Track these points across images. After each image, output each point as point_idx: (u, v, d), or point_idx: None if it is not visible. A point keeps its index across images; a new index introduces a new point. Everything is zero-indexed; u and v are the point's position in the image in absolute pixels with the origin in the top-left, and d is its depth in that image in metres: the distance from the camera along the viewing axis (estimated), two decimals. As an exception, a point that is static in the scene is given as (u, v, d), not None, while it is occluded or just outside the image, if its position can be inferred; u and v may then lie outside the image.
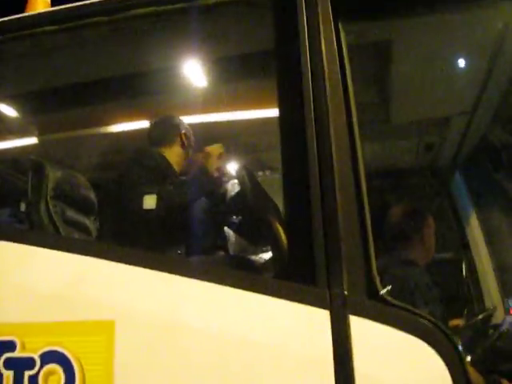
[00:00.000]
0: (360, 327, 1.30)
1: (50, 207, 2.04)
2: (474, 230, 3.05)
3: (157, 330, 1.41)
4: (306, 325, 1.33)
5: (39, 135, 3.21)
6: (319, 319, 1.32)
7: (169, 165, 2.54)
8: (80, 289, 1.51)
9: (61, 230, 2.01)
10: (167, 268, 1.44)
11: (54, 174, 2.12)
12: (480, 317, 2.54)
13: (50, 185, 2.09)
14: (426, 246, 2.55)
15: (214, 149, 2.38)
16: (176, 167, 2.58)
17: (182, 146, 2.60)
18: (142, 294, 1.46)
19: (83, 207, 2.23)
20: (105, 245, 1.59)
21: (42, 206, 2.04)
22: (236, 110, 2.81)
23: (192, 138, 2.65)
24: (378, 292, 1.34)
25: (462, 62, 2.18)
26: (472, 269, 3.04)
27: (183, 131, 2.61)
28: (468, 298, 2.99)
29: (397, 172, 3.06)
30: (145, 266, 1.46)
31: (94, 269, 1.51)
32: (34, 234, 1.93)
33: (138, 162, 2.43)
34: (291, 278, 1.38)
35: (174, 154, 2.58)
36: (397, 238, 2.55)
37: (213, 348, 1.38)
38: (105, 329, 1.42)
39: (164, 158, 2.56)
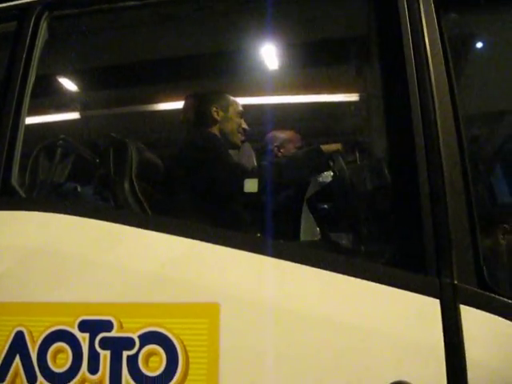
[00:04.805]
0: (471, 317, 1.31)
1: (135, 186, 2.02)
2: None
3: (263, 315, 1.41)
4: (416, 313, 1.34)
5: (113, 112, 3.14)
6: (429, 308, 1.33)
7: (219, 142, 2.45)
8: (181, 270, 1.50)
9: (148, 209, 2.00)
10: (274, 252, 1.44)
11: (136, 153, 2.09)
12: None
13: (134, 164, 2.07)
14: None
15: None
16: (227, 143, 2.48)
17: (215, 121, 2.47)
18: (247, 278, 1.46)
19: (163, 187, 2.20)
20: (207, 227, 1.56)
21: (127, 185, 2.02)
22: (331, 94, 2.76)
23: (232, 109, 2.51)
24: (487, 281, 1.35)
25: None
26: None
27: (213, 107, 2.48)
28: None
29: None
30: (249, 250, 1.45)
31: (196, 250, 1.50)
32: (129, 213, 1.92)
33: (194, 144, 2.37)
34: (400, 266, 1.39)
35: (217, 132, 2.47)
36: None
37: (319, 334, 1.38)
38: (209, 312, 1.42)
39: (215, 135, 2.45)
